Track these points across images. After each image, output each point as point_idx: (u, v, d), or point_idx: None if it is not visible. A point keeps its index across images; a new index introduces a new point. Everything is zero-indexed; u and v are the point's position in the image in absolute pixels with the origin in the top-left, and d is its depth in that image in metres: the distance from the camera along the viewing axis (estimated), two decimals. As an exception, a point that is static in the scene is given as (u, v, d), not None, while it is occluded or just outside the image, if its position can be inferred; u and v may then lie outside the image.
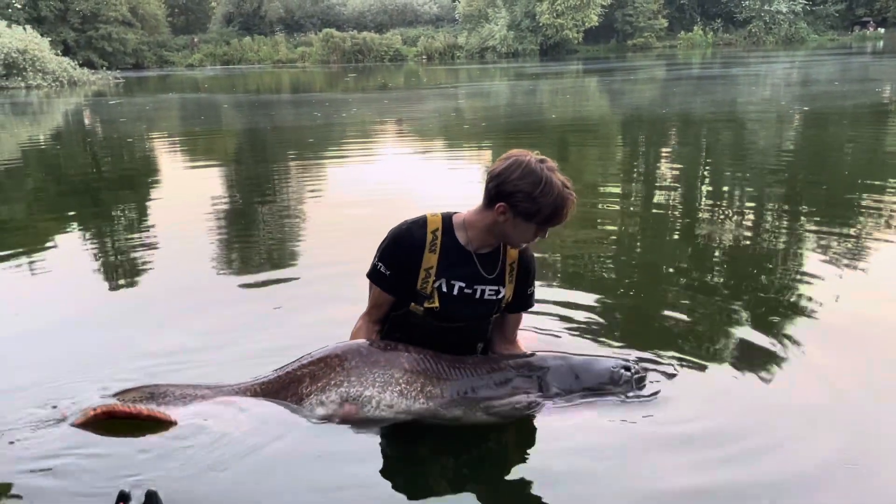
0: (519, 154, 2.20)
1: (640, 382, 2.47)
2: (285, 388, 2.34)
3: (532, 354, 2.54)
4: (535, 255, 2.57)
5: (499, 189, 2.18)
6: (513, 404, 2.35)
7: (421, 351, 2.36)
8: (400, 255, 2.31)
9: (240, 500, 2.01)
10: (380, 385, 2.26)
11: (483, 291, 2.35)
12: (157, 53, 47.18)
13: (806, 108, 12.49)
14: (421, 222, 2.33)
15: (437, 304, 2.31)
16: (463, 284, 2.32)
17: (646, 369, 2.58)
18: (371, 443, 2.29)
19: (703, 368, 2.75)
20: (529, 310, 2.60)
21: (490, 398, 2.34)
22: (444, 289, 2.31)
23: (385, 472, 2.16)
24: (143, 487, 1.66)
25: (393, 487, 2.10)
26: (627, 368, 2.48)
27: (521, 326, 2.65)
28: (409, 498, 2.07)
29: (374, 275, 2.39)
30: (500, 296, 2.39)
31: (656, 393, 2.48)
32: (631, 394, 2.43)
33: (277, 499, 2.02)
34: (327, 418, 2.27)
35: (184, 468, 2.09)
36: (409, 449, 2.30)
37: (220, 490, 2.03)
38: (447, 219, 2.34)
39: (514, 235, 2.26)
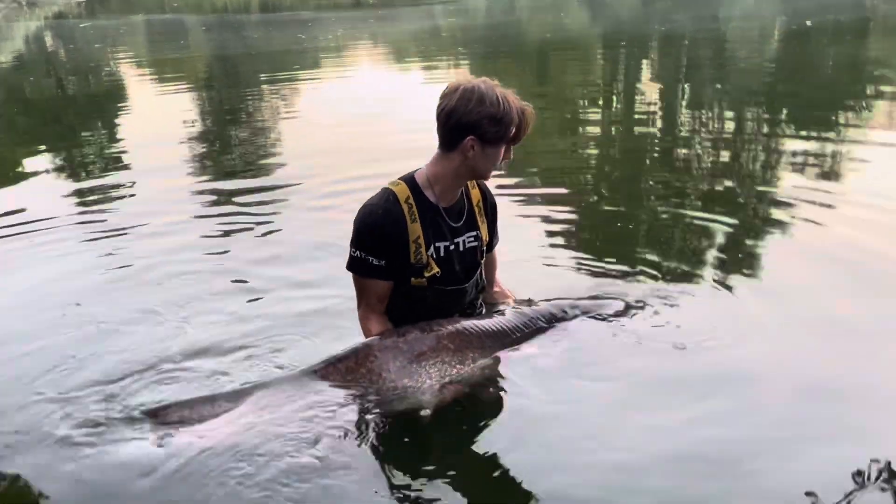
0: (464, 83, 2.08)
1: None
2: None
3: (550, 305, 2.48)
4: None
5: (460, 124, 2.07)
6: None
7: (451, 322, 2.26)
8: (385, 239, 2.16)
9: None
10: (436, 374, 2.14)
11: (463, 242, 2.29)
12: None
13: (806, 22, 12.34)
14: (392, 198, 2.16)
15: (437, 270, 2.23)
16: (446, 244, 2.25)
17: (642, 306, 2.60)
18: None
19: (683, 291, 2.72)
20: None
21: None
22: (434, 254, 2.23)
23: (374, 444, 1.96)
24: None
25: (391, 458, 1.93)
26: (630, 306, 2.56)
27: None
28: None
29: (362, 268, 2.20)
30: (479, 240, 2.34)
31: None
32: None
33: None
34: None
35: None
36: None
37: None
38: (411, 181, 2.21)
39: (484, 166, 2.15)
